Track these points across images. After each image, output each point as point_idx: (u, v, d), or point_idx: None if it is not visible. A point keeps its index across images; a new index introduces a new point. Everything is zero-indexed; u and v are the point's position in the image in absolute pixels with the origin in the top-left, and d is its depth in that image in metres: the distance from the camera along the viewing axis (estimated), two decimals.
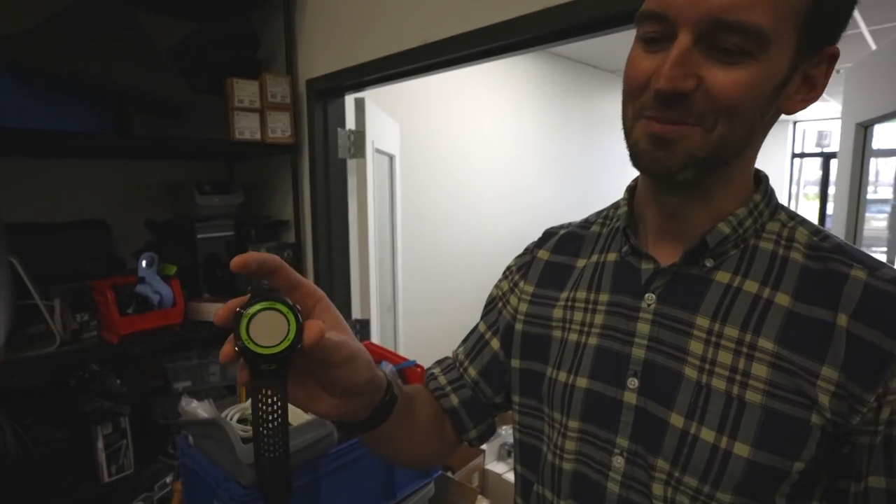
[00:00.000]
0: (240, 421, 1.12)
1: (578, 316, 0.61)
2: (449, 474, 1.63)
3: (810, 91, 0.49)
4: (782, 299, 0.50)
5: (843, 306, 0.48)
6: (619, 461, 0.55)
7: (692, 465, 0.50)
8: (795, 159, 7.90)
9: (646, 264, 0.57)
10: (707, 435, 0.49)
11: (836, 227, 1.45)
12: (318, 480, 1.17)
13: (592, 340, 0.58)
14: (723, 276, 0.53)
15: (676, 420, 0.51)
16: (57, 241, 1.50)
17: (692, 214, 0.54)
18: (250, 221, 1.74)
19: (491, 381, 0.69)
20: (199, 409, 1.15)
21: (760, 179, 0.56)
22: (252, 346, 0.40)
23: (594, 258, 0.63)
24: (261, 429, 0.42)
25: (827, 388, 0.46)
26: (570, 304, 0.62)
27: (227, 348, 0.41)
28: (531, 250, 0.71)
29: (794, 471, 0.47)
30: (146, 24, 1.41)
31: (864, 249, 0.51)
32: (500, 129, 3.31)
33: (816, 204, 7.15)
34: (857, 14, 2.91)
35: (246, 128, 1.54)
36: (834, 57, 0.48)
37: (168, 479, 1.43)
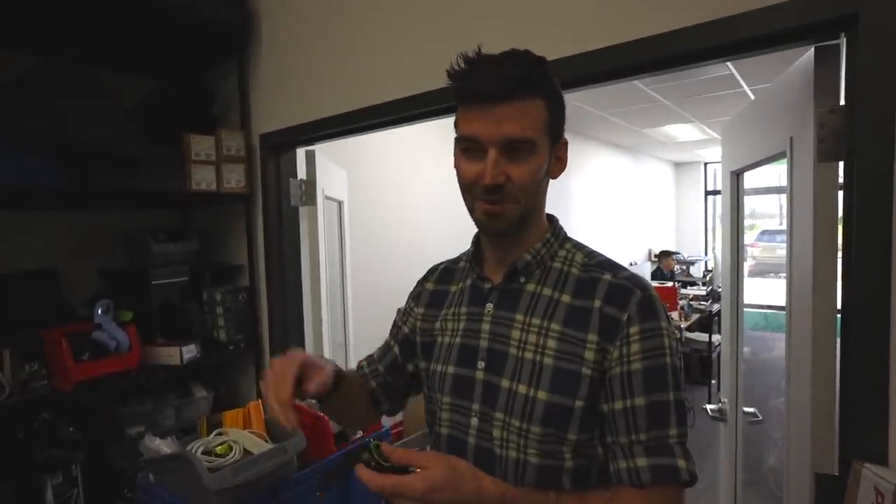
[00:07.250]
0: (204, 453, 1.18)
1: (450, 325, 0.87)
2: None
3: (561, 163, 0.82)
4: (565, 298, 0.78)
5: (597, 295, 0.76)
6: (474, 421, 0.79)
7: (515, 411, 0.75)
8: (709, 196, 8.72)
9: (487, 284, 0.84)
10: (522, 389, 0.75)
11: (724, 251, 1.72)
12: None
13: (457, 340, 0.85)
14: (531, 287, 0.81)
15: (505, 383, 0.77)
16: (5, 292, 1.51)
17: (513, 250, 0.82)
18: (205, 267, 1.81)
19: (393, 373, 0.99)
20: (163, 445, 1.21)
21: (552, 222, 0.86)
22: (383, 463, 0.68)
23: (461, 284, 0.91)
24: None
25: (591, 347, 0.74)
26: (446, 316, 0.89)
27: (369, 474, 0.65)
28: (421, 283, 0.99)
29: (576, 406, 0.73)
30: (108, 82, 1.51)
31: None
32: (438, 167, 3.54)
33: None
34: (737, 75, 3.40)
35: (202, 179, 1.64)
36: (565, 142, 0.81)
37: None
